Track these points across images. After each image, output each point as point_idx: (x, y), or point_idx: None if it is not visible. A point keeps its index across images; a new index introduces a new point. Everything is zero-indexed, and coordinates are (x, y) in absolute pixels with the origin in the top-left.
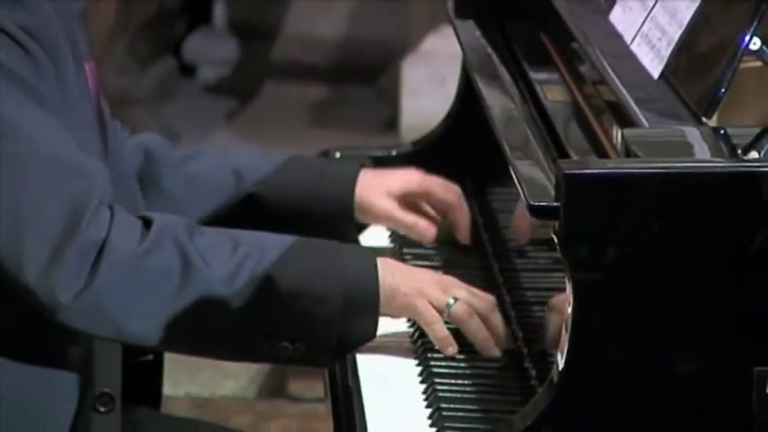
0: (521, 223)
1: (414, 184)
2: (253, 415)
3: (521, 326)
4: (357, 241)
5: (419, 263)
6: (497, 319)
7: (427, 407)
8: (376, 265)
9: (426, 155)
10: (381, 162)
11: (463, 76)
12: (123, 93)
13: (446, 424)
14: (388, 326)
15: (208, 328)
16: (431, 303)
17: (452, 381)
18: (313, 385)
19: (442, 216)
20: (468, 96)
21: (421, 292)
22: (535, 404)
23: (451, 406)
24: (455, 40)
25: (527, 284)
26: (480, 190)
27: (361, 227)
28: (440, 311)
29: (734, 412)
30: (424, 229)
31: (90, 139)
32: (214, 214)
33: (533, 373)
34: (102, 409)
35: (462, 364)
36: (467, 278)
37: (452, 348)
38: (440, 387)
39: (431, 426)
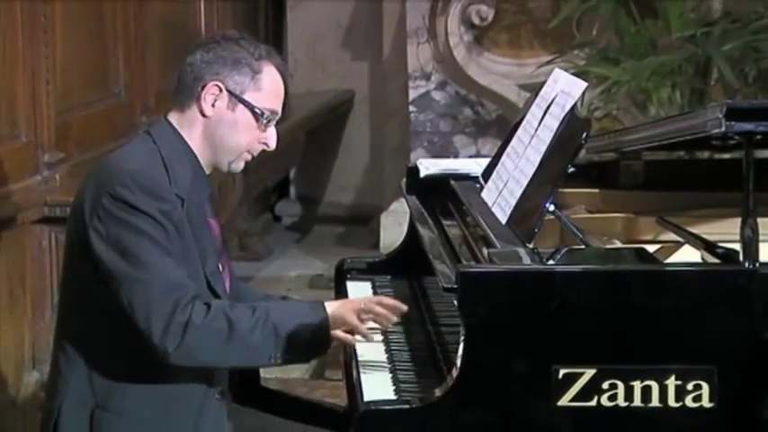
0: None
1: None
2: (307, 388)
3: (438, 343)
4: None
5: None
6: (387, 300)
7: (392, 381)
8: (325, 308)
9: (393, 261)
10: (371, 264)
11: (410, 222)
12: (246, 230)
13: (401, 389)
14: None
15: (244, 354)
16: (353, 310)
17: (403, 366)
18: (337, 372)
19: None
20: (413, 232)
21: (348, 308)
22: (446, 383)
23: (404, 379)
24: (406, 205)
25: (441, 321)
26: (419, 278)
27: None
28: (359, 312)
29: (543, 387)
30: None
31: (212, 260)
32: None
33: (445, 368)
34: (219, 397)
35: (408, 359)
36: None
37: (371, 338)
38: (398, 369)
39: (394, 393)
